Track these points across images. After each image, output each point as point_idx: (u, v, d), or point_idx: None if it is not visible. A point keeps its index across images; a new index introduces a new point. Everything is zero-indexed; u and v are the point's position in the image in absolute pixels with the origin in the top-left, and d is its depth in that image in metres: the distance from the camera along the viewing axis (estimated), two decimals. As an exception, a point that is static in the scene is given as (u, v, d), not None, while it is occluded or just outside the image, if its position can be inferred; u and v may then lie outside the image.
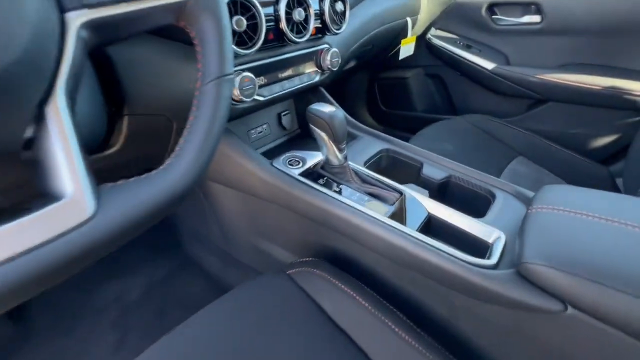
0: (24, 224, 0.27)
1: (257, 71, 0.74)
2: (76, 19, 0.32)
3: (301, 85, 0.87)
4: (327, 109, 0.67)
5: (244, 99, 0.69)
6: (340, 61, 0.93)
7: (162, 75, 0.60)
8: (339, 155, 0.70)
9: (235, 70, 0.69)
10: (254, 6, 0.65)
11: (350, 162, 0.79)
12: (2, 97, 0.26)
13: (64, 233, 0.28)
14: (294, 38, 0.75)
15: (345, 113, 1.03)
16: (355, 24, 1.04)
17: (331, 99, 1.01)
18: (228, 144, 0.75)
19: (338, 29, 0.88)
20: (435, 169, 0.80)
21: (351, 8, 1.00)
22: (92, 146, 0.59)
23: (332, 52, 0.89)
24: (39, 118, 0.29)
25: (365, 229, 0.62)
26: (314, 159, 0.79)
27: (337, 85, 1.89)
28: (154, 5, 0.37)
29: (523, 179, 1.18)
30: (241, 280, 1.14)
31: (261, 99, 0.77)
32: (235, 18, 0.61)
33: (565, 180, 1.21)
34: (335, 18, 0.86)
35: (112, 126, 0.61)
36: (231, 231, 1.01)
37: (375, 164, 0.86)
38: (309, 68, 0.88)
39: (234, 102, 0.70)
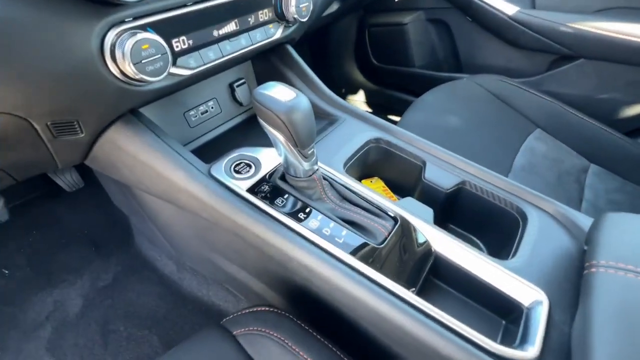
0: None
1: (171, 28, 0.46)
2: None
3: (252, 47, 0.59)
4: (283, 95, 0.42)
5: (148, 77, 0.42)
6: (312, 7, 0.63)
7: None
8: (305, 164, 0.47)
9: (127, 30, 0.41)
10: None
11: (323, 167, 0.55)
12: None
13: None
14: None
15: (329, 88, 0.75)
16: None
17: (301, 62, 0.73)
18: (137, 142, 0.50)
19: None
20: (442, 171, 0.58)
21: None
22: None
23: (299, -6, 0.59)
24: None
25: (340, 287, 0.42)
26: (271, 161, 0.55)
27: (316, 34, 1.55)
28: None
29: (541, 160, 0.97)
30: (198, 289, 0.97)
31: (185, 73, 0.50)
32: None
33: (589, 159, 1.01)
34: None
35: None
36: (178, 243, 0.80)
37: (360, 159, 0.63)
38: (265, 18, 0.60)
39: (131, 82, 0.43)
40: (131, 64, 0.40)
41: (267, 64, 0.75)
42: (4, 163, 0.48)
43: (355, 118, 0.68)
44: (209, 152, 0.69)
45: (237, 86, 0.74)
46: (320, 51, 1.68)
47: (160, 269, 1.00)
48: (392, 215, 0.49)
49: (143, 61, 0.41)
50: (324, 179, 0.52)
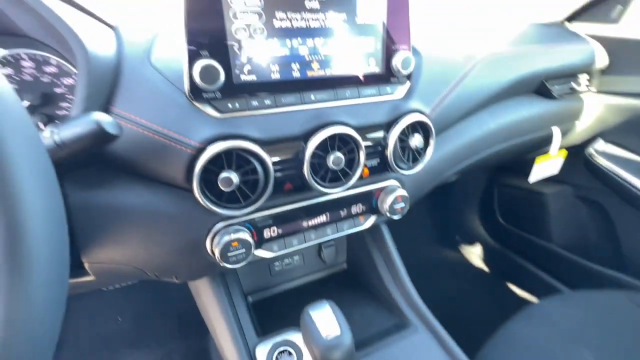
0: None
1: (267, 222, 0.55)
2: None
3: (337, 235, 0.62)
4: (326, 326, 0.41)
5: (229, 265, 0.50)
6: (408, 207, 0.64)
7: (137, 230, 0.47)
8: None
9: (226, 225, 0.51)
10: (256, 159, 0.46)
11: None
12: None
13: None
14: (324, 190, 0.53)
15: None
16: (450, 147, 0.73)
17: (390, 246, 0.72)
18: (209, 297, 0.57)
19: (408, 169, 0.60)
20: None
21: (452, 122, 0.70)
22: None
23: (396, 196, 0.61)
24: None
25: None
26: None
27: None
28: None
29: None
30: None
31: (267, 255, 0.56)
32: (222, 175, 0.44)
33: None
34: (405, 156, 0.60)
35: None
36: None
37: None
38: (358, 211, 0.63)
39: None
40: (218, 253, 0.49)
41: (359, 233, 0.78)
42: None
43: (428, 332, 0.59)
44: (279, 305, 0.72)
45: (325, 247, 0.78)
46: (439, 196, 1.64)
47: None
48: None
49: (229, 254, 0.49)
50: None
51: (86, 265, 0.49)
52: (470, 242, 1.58)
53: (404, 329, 0.60)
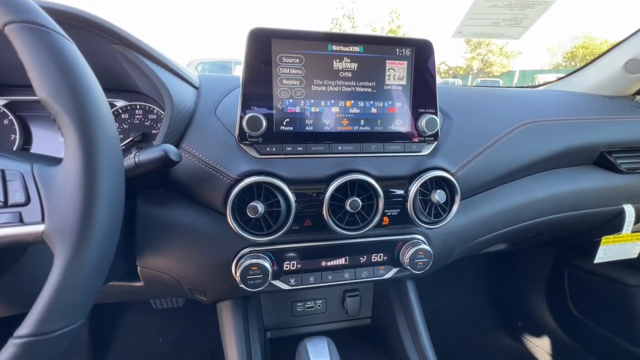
0: None
1: (289, 255, 0.60)
2: None
3: (355, 281, 0.63)
4: None
5: (247, 288, 0.55)
6: (432, 263, 0.63)
7: (181, 244, 0.56)
8: None
9: (250, 251, 0.57)
10: (280, 194, 0.54)
11: None
12: None
13: None
14: (339, 230, 0.57)
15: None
16: (487, 210, 0.71)
17: (414, 303, 0.69)
18: (229, 325, 0.62)
19: (431, 224, 0.61)
20: None
21: (485, 184, 0.69)
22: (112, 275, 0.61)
23: (417, 250, 0.62)
24: None
25: None
26: None
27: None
28: None
29: None
30: None
31: (284, 287, 0.60)
32: (251, 203, 0.52)
33: None
34: (427, 210, 0.61)
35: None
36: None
37: None
38: (378, 260, 0.65)
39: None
40: (239, 274, 0.55)
41: (385, 290, 0.76)
42: (166, 291, 0.72)
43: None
44: (294, 347, 0.73)
45: (349, 296, 0.78)
46: (499, 274, 1.48)
47: None
48: None
49: (248, 276, 0.55)
50: None
51: (138, 269, 0.60)
52: (536, 332, 1.35)
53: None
